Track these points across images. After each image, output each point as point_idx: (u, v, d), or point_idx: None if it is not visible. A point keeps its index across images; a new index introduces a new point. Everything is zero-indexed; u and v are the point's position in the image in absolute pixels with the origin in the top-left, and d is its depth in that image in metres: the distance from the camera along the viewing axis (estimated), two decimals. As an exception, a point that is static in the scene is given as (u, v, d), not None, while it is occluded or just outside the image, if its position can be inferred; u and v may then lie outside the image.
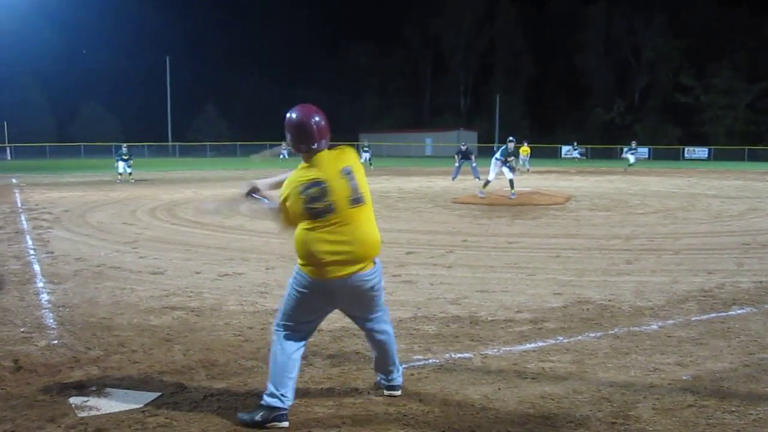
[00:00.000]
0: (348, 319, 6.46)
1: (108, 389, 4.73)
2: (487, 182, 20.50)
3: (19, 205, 18.91)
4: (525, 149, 39.90)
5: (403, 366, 5.19)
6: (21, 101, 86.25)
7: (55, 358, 5.42)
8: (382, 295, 4.43)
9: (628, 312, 6.91)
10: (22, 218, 15.45)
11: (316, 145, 4.20)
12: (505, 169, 20.17)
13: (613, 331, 6.20)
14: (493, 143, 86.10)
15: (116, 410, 4.37)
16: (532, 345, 5.78)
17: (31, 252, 10.74)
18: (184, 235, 12.70)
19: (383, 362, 4.62)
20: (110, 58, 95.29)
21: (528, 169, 38.75)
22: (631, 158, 41.09)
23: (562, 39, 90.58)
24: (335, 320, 6.50)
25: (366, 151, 46.02)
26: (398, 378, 4.68)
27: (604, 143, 76.09)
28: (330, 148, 4.28)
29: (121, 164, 30.05)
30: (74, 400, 4.51)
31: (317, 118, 4.24)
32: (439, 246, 11.16)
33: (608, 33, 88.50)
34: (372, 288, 4.26)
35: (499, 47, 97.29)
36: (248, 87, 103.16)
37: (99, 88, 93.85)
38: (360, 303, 4.34)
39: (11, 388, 4.76)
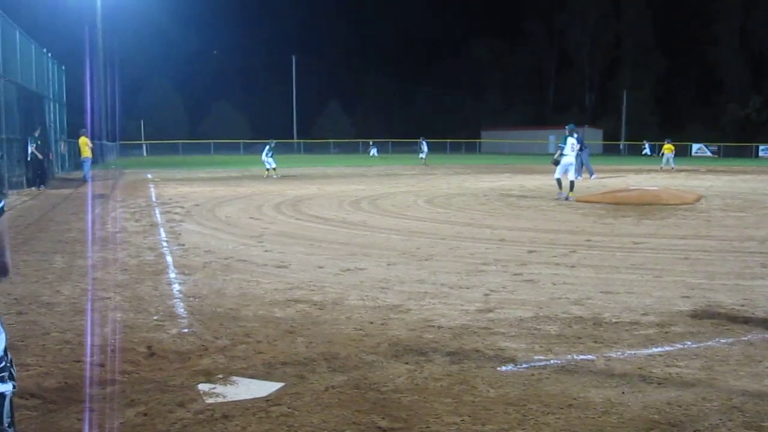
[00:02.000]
0: (469, 317, 6.46)
1: (234, 377, 4.88)
2: (571, 183, 19.63)
3: (154, 199, 19.82)
4: (669, 147, 38.70)
5: (524, 366, 5.14)
6: (157, 101, 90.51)
7: (185, 345, 5.64)
8: None
9: (764, 318, 6.56)
10: (156, 212, 16.18)
11: None
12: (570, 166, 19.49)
13: (746, 338, 5.91)
14: (620, 141, 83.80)
15: (242, 398, 4.50)
16: (659, 349, 5.58)
17: (164, 244, 11.22)
18: (308, 230, 12.96)
19: None
20: (239, 59, 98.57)
21: (673, 168, 37.66)
22: None
23: (694, 32, 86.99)
24: (456, 317, 6.49)
25: (423, 148, 46.97)
26: None
27: (738, 141, 72.72)
28: None
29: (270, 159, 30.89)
30: (202, 387, 4.68)
31: None
32: (562, 245, 10.95)
33: (744, 25, 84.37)
34: None
35: (626, 41, 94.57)
36: (371, 85, 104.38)
37: (228, 87, 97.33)
38: None
39: (145, 372, 4.99)
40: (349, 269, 8.94)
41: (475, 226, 13.47)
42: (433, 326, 6.19)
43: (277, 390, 4.63)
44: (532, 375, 4.94)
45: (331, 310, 6.80)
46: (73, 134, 35.16)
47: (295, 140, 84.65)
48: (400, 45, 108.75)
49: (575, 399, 4.50)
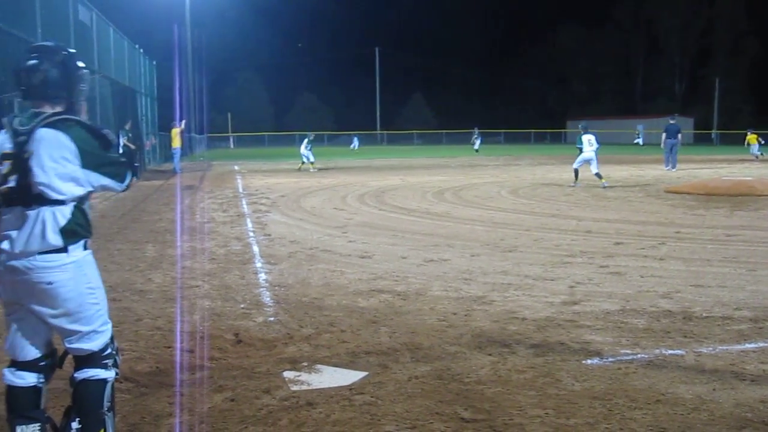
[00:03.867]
0: (554, 309, 6.37)
1: (318, 366, 4.94)
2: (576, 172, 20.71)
3: (241, 190, 20.23)
4: (752, 137, 37.40)
5: (610, 359, 5.05)
6: (243, 94, 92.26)
7: (271, 333, 5.74)
8: None
9: None
10: (243, 202, 16.51)
11: None
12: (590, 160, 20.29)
13: None
14: (711, 130, 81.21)
15: (326, 386, 4.56)
16: (752, 345, 5.39)
17: (251, 234, 11.44)
18: (391, 220, 13.00)
19: None
20: (323, 51, 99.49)
21: (757, 156, 36.29)
22: None
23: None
24: (540, 309, 6.42)
25: (477, 138, 47.60)
26: None
27: (839, 129, 69.58)
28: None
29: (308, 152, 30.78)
30: (288, 374, 4.76)
31: None
32: (650, 237, 10.69)
33: None
34: None
35: (718, 27, 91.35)
36: (455, 75, 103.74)
37: (313, 80, 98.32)
38: None
39: (232, 359, 5.10)
40: (432, 260, 8.94)
41: (560, 217, 13.28)
42: (517, 318, 6.14)
43: (360, 379, 4.67)
44: (619, 369, 4.84)
45: (414, 301, 6.81)
46: (164, 127, 36.12)
47: (379, 131, 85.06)
48: (483, 34, 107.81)
49: (663, 395, 4.40)
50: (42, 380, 3.35)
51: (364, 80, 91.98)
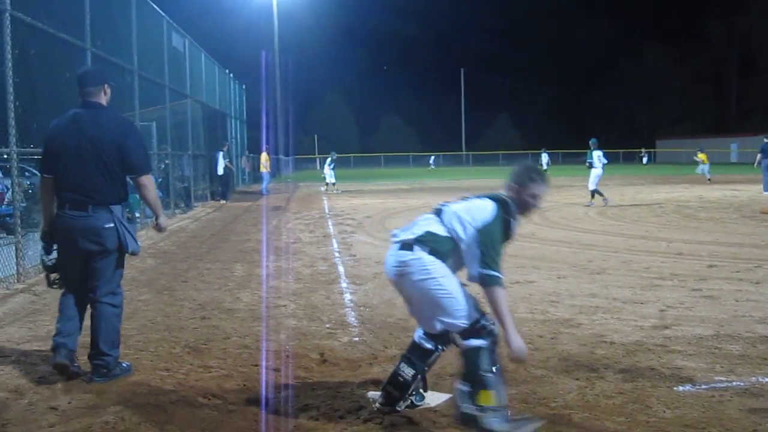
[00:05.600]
0: (644, 333, 6.21)
1: (403, 387, 4.93)
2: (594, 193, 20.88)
3: (327, 211, 20.47)
4: (704, 156, 35.65)
5: (703, 386, 4.88)
6: (329, 116, 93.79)
7: (355, 353, 5.77)
8: None
9: None
10: (329, 223, 16.69)
11: None
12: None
13: None
14: (811, 148, 78.03)
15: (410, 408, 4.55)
16: None
17: (337, 254, 11.55)
18: (476, 241, 12.90)
19: None
20: (408, 73, 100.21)
21: (708, 179, 34.03)
22: None
23: None
24: (629, 333, 6.27)
25: (545, 156, 46.06)
26: None
27: None
28: None
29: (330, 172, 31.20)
30: (372, 395, 4.75)
31: None
32: (746, 260, 10.32)
33: None
34: None
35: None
36: (540, 94, 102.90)
37: (398, 101, 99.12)
38: None
39: (317, 378, 5.15)
40: (518, 282, 8.84)
41: (650, 238, 12.96)
42: (606, 342, 6.01)
43: (444, 401, 4.64)
44: (712, 397, 4.68)
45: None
46: (253, 150, 36.95)
47: (464, 152, 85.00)
48: (570, 54, 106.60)
49: (760, 424, 4.23)
50: (436, 348, 4.29)
51: (449, 101, 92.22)
